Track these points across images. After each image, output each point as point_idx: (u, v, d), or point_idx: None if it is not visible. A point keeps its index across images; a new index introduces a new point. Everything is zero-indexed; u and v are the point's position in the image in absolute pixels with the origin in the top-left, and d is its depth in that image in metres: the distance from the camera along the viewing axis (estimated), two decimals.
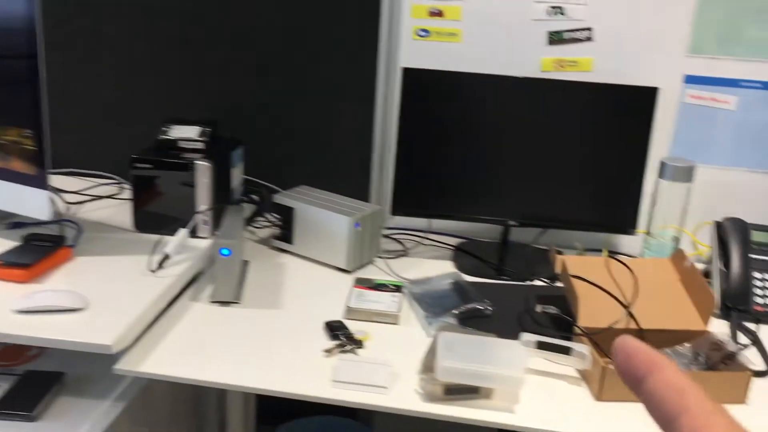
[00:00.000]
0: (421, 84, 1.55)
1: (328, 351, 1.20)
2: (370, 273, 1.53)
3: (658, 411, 0.27)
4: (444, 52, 1.68)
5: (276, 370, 1.14)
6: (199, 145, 1.54)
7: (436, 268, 1.56)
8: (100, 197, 1.76)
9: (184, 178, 1.49)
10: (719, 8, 1.58)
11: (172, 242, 1.39)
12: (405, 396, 1.10)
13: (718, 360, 1.16)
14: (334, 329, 1.26)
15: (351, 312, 1.33)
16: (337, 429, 1.87)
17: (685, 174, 1.53)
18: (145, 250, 1.42)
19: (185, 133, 1.56)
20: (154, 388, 1.34)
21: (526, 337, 1.20)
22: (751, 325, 1.38)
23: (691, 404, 0.26)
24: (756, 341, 1.33)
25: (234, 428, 1.62)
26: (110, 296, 1.24)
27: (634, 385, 0.29)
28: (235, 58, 1.79)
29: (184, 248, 1.44)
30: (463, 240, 1.74)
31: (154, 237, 1.47)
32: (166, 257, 1.36)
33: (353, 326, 1.28)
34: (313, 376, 1.13)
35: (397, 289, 1.42)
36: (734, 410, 1.07)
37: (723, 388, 1.12)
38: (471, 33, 1.66)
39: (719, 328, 1.33)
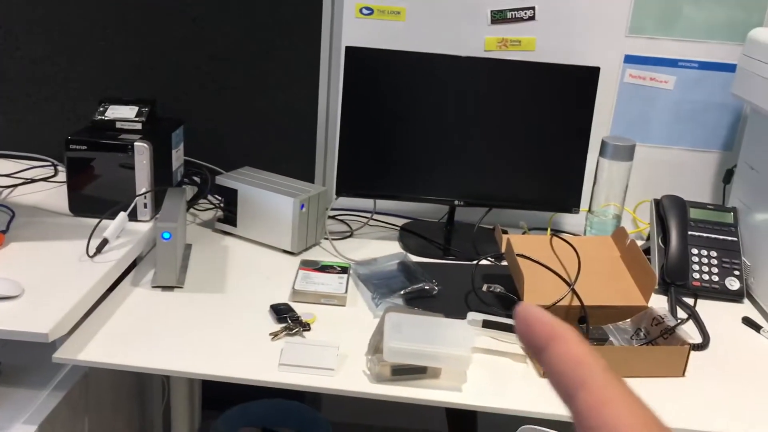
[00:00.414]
0: (364, 63, 1.53)
1: (275, 334, 1.19)
2: (316, 255, 1.52)
3: (557, 385, 0.26)
4: (387, 30, 1.66)
5: (221, 355, 1.12)
6: (138, 126, 1.49)
7: (383, 249, 1.56)
8: (34, 180, 1.69)
9: (123, 159, 1.44)
10: None
11: (110, 226, 1.35)
12: (353, 377, 1.09)
13: (658, 335, 1.19)
14: (280, 312, 1.25)
15: (297, 294, 1.32)
16: (284, 412, 1.86)
17: (626, 153, 1.56)
18: (83, 234, 1.38)
19: (123, 113, 1.51)
20: (94, 376, 1.30)
21: (473, 316, 1.21)
22: (689, 300, 1.42)
23: (588, 378, 0.25)
24: (694, 315, 1.37)
25: (179, 415, 1.59)
26: (46, 283, 1.19)
27: (536, 354, 0.27)
28: (174, 36, 1.74)
29: (124, 232, 1.40)
30: (409, 220, 1.74)
31: (92, 221, 1.42)
32: (105, 242, 1.32)
33: (300, 309, 1.27)
34: (259, 360, 1.11)
35: (344, 270, 1.41)
36: (673, 383, 1.10)
37: (662, 362, 1.15)
38: (415, 11, 1.65)
39: (658, 303, 1.37)
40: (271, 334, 1.19)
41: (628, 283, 1.30)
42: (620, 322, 1.27)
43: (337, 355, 1.13)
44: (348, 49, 1.53)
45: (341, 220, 1.72)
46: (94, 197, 1.46)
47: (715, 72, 1.65)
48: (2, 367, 1.23)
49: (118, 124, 1.50)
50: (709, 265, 1.47)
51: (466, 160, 1.59)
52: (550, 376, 0.27)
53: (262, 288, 1.35)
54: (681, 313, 1.38)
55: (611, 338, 1.23)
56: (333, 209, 1.74)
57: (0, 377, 1.22)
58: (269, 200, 1.49)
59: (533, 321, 0.27)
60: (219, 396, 1.90)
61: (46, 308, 1.11)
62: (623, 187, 1.58)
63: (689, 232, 1.50)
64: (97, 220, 1.39)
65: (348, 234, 1.65)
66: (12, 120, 1.83)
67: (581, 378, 0.25)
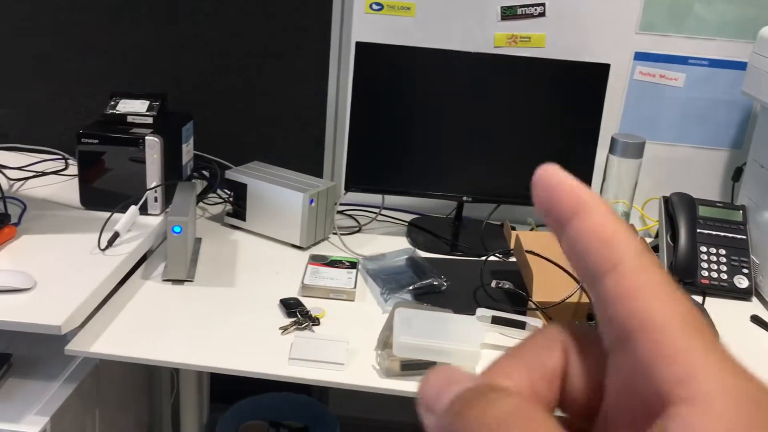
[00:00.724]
0: (374, 59, 1.54)
1: (284, 328, 1.19)
2: (325, 249, 1.52)
3: (580, 266, 0.22)
4: (397, 26, 1.66)
5: (231, 348, 1.13)
6: (149, 120, 1.50)
7: (391, 245, 1.56)
8: (45, 173, 1.70)
9: (133, 153, 1.45)
10: None
11: (121, 220, 1.36)
12: (362, 372, 1.10)
13: None
14: (290, 307, 1.25)
15: (306, 289, 1.32)
16: (291, 406, 1.87)
17: (635, 150, 1.56)
18: (94, 227, 1.38)
19: (134, 107, 1.52)
20: (105, 368, 1.31)
21: (482, 312, 1.21)
22: (697, 298, 1.43)
23: (619, 260, 0.21)
24: (702, 313, 1.36)
25: (187, 407, 1.60)
26: (58, 276, 1.20)
27: (557, 229, 0.23)
28: (185, 32, 1.74)
29: (134, 226, 1.41)
30: (417, 216, 1.75)
31: (103, 214, 1.43)
32: (116, 235, 1.33)
33: (309, 303, 1.28)
34: (269, 354, 1.12)
35: (353, 265, 1.42)
36: None
37: None
38: (424, 7, 1.65)
39: None
40: (280, 328, 1.20)
41: None
42: None
43: (346, 350, 1.13)
44: (358, 44, 1.53)
45: (350, 215, 1.73)
46: (105, 191, 1.47)
47: (725, 70, 1.65)
48: (14, 359, 1.24)
49: (129, 118, 1.50)
50: (718, 263, 1.47)
51: (474, 156, 1.59)
52: (571, 255, 0.22)
53: (272, 282, 1.36)
54: None
55: None
56: (342, 204, 1.75)
57: (12, 369, 1.23)
58: (278, 195, 1.50)
59: (557, 186, 0.22)
60: (227, 389, 1.91)
61: (59, 301, 1.12)
62: (632, 184, 1.58)
63: (698, 230, 1.50)
64: (108, 214, 1.39)
65: (356, 229, 1.66)
66: (24, 113, 1.83)
67: (611, 259, 0.21)
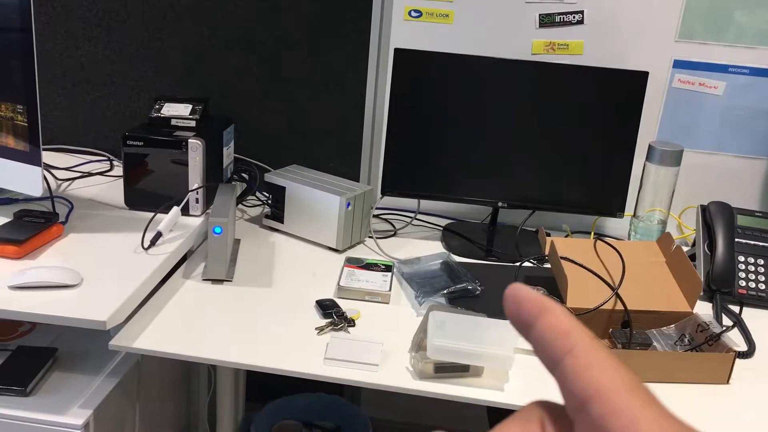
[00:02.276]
0: (412, 65, 1.56)
1: (320, 329, 1.22)
2: (361, 252, 1.54)
3: (545, 355, 0.27)
4: (435, 33, 1.68)
5: (268, 347, 1.16)
6: (192, 123, 1.54)
7: (426, 249, 1.58)
8: (91, 174, 1.75)
9: (176, 155, 1.49)
10: None
11: (164, 220, 1.40)
12: (396, 373, 1.12)
13: (703, 341, 1.19)
14: (326, 308, 1.28)
15: (342, 291, 1.34)
16: (324, 406, 1.90)
17: (673, 158, 1.55)
18: (137, 227, 1.43)
19: (177, 110, 1.56)
20: (146, 364, 1.35)
21: None
22: (734, 308, 1.41)
23: (574, 345, 0.26)
24: (739, 323, 1.36)
25: (224, 404, 1.64)
26: (103, 273, 1.24)
27: (524, 332, 0.28)
28: (226, 37, 1.78)
29: (176, 226, 1.44)
30: (452, 221, 1.76)
31: (146, 214, 1.47)
32: (159, 235, 1.37)
33: (344, 305, 1.30)
34: (305, 354, 1.14)
35: (388, 268, 1.44)
36: (717, 390, 1.10)
37: (707, 369, 1.15)
38: (463, 14, 1.67)
39: (703, 310, 1.36)
40: (316, 328, 1.22)
41: (673, 288, 1.30)
42: (664, 328, 1.27)
43: (381, 351, 1.15)
44: (396, 50, 1.55)
45: (385, 219, 1.75)
46: (148, 191, 1.51)
47: (765, 78, 1.63)
48: (60, 353, 1.29)
49: (173, 122, 1.54)
50: (756, 273, 1.45)
51: (510, 162, 1.60)
52: (538, 347, 0.27)
53: (308, 284, 1.38)
54: (726, 321, 1.37)
55: (655, 343, 1.23)
56: (377, 208, 1.77)
57: (58, 363, 1.27)
58: (316, 198, 1.52)
59: (523, 298, 0.28)
60: (262, 388, 1.94)
61: (104, 297, 1.16)
62: (669, 192, 1.57)
63: (736, 239, 1.49)
64: (151, 214, 1.43)
65: (392, 233, 1.68)
66: (72, 116, 1.89)
67: (568, 345, 0.26)
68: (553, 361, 0.26)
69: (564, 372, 0.26)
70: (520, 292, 0.28)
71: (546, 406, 0.28)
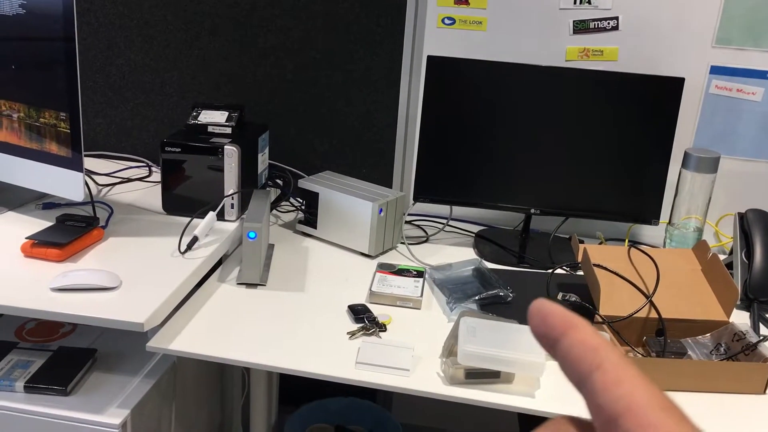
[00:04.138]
0: (445, 72, 1.56)
1: (352, 333, 1.23)
2: (393, 258, 1.55)
3: (572, 371, 0.27)
4: (469, 40, 1.69)
5: (300, 351, 1.17)
6: (228, 130, 1.57)
7: (458, 255, 1.58)
8: (130, 179, 1.79)
9: (213, 162, 1.52)
10: None
11: (200, 225, 1.42)
12: (427, 379, 1.12)
13: (739, 350, 1.17)
14: (358, 312, 1.29)
15: (374, 296, 1.36)
16: (356, 411, 1.91)
17: (710, 165, 1.53)
18: (174, 231, 1.46)
19: (214, 117, 1.59)
20: (181, 365, 1.37)
21: None
22: None
23: (604, 360, 0.26)
24: None
25: (257, 407, 1.66)
26: (141, 276, 1.27)
27: (550, 347, 0.28)
28: (262, 45, 1.81)
29: (212, 231, 1.47)
30: (484, 227, 1.76)
31: (183, 219, 1.50)
32: (195, 239, 1.39)
33: (376, 310, 1.31)
34: (337, 358, 1.16)
35: (419, 274, 1.45)
36: (754, 400, 1.08)
37: (743, 379, 1.13)
38: (496, 21, 1.67)
39: (740, 319, 1.34)
40: (348, 333, 1.23)
41: (709, 297, 1.28)
42: (699, 337, 1.25)
43: (412, 356, 1.16)
44: (429, 58, 1.56)
45: (417, 225, 1.76)
46: (185, 197, 1.54)
47: None
48: (98, 354, 1.32)
49: (210, 128, 1.57)
50: None
51: (543, 169, 1.60)
52: (565, 362, 0.27)
53: (341, 289, 1.40)
54: (764, 330, 1.35)
55: (690, 352, 1.21)
56: (410, 214, 1.78)
57: (96, 364, 1.30)
58: (349, 204, 1.54)
59: (549, 313, 0.28)
60: (295, 391, 1.96)
61: (142, 300, 1.19)
62: (706, 199, 1.55)
63: None
64: (188, 219, 1.46)
65: (424, 239, 1.68)
66: (112, 123, 1.94)
67: (597, 360, 0.26)
68: (580, 376, 0.26)
69: (593, 387, 0.26)
70: (545, 307, 0.28)
71: (572, 421, 0.28)
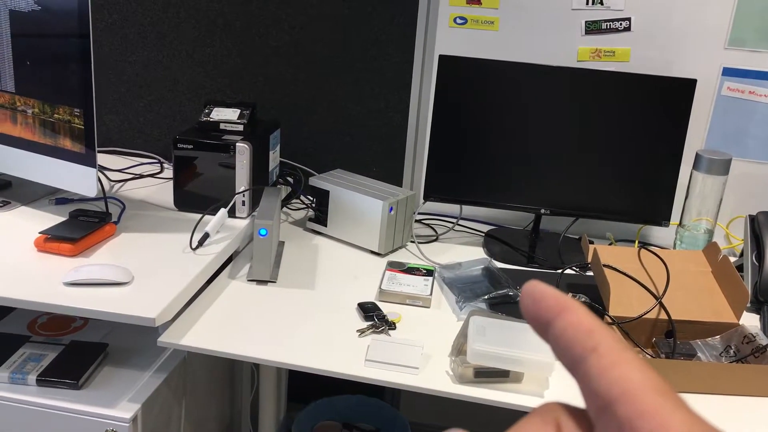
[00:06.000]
0: (457, 71, 1.56)
1: (362, 331, 1.23)
2: (402, 257, 1.56)
3: (565, 354, 0.26)
4: (481, 39, 1.69)
5: (310, 347, 1.18)
6: (239, 127, 1.58)
7: (467, 254, 1.59)
8: (143, 176, 1.81)
9: (224, 159, 1.52)
10: (760, 0, 1.57)
11: (211, 221, 1.43)
12: (436, 377, 1.13)
13: (749, 353, 1.17)
14: (367, 310, 1.29)
15: (384, 294, 1.36)
16: (364, 408, 1.91)
17: (721, 167, 1.53)
18: (186, 228, 1.47)
19: (226, 115, 1.60)
20: (192, 361, 1.38)
21: None
22: None
23: (599, 343, 0.25)
24: None
25: (266, 403, 1.67)
26: (153, 271, 1.28)
27: (543, 330, 0.27)
28: (275, 43, 1.82)
29: (223, 227, 1.48)
30: (494, 227, 1.76)
31: (194, 216, 1.51)
32: (206, 236, 1.40)
33: (386, 308, 1.32)
34: (346, 355, 1.16)
35: (429, 273, 1.45)
36: (764, 403, 1.08)
37: (753, 381, 1.13)
38: (508, 21, 1.67)
39: (750, 321, 1.34)
40: (357, 330, 1.24)
41: (719, 299, 1.28)
42: (709, 339, 1.25)
43: (421, 355, 1.16)
44: (441, 57, 1.56)
45: (427, 224, 1.76)
46: (196, 193, 1.55)
47: None
48: (110, 349, 1.33)
49: (222, 126, 1.58)
50: None
51: (554, 169, 1.60)
52: (558, 346, 0.26)
53: (350, 286, 1.40)
54: None
55: (699, 354, 1.21)
56: (420, 213, 1.78)
57: (108, 358, 1.31)
58: (359, 202, 1.54)
59: (541, 295, 0.27)
60: (303, 388, 1.97)
61: (153, 295, 1.20)
62: (717, 201, 1.55)
63: None
64: (199, 215, 1.47)
65: (433, 238, 1.69)
66: (125, 120, 1.95)
67: (592, 343, 0.25)
68: (574, 359, 0.25)
69: (587, 371, 0.25)
70: (537, 288, 0.27)
71: (563, 407, 0.27)
